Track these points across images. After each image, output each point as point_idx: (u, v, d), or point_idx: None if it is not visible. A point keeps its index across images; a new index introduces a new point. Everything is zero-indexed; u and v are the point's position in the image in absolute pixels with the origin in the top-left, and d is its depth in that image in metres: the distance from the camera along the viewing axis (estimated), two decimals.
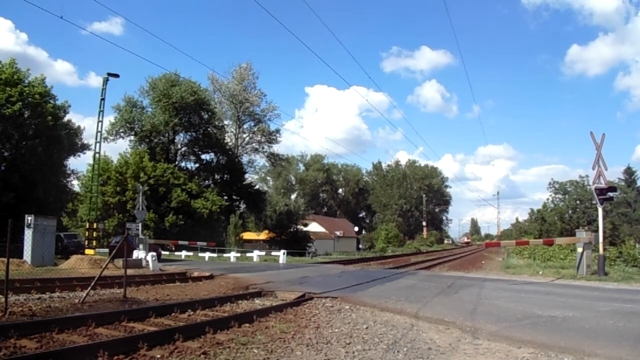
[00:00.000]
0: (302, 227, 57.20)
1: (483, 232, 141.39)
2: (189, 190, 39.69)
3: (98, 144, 26.83)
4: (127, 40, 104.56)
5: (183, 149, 48.26)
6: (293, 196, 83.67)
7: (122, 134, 43.83)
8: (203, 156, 49.66)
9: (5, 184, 24.58)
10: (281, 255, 26.71)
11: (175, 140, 47.11)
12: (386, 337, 5.94)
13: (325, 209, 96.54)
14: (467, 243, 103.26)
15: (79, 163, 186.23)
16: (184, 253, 31.77)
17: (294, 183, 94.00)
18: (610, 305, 8.22)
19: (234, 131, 53.27)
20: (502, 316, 7.34)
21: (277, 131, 53.70)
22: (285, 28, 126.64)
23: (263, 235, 53.43)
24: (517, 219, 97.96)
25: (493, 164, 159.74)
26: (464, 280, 13.06)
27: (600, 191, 13.74)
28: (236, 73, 51.67)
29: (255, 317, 6.99)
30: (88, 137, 56.72)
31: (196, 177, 46.09)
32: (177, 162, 46.44)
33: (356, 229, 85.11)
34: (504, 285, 12.04)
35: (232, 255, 30.84)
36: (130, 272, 12.29)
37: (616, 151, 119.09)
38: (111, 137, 42.94)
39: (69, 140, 29.64)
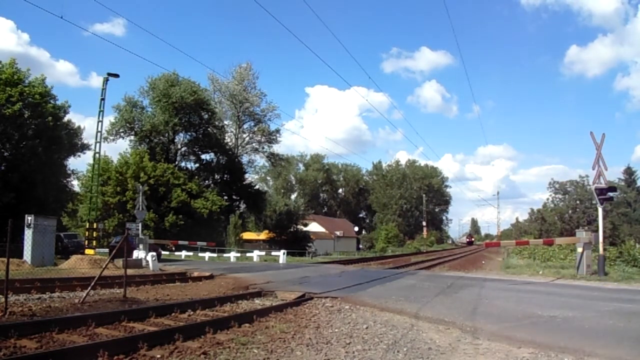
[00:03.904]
0: (302, 227, 57.16)
1: (483, 232, 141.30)
2: (189, 190, 39.68)
3: (98, 144, 26.80)
4: (128, 40, 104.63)
5: (183, 149, 48.24)
6: (293, 196, 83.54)
7: (122, 134, 43.81)
8: (203, 156, 49.70)
9: (5, 184, 24.56)
10: (281, 255, 26.71)
11: (175, 140, 47.09)
12: (386, 337, 5.94)
13: (325, 209, 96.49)
14: (470, 242, 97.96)
15: (79, 163, 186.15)
16: (184, 253, 31.77)
17: (294, 183, 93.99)
18: (610, 305, 8.22)
19: (234, 131, 53.28)
20: (502, 316, 7.34)
21: (277, 131, 53.71)
22: (285, 28, 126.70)
23: (263, 235, 53.42)
24: (517, 219, 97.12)
25: (493, 164, 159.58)
26: (464, 280, 13.06)
27: (600, 191, 13.75)
28: (236, 73, 51.69)
29: (255, 317, 6.99)
30: (88, 137, 56.71)
31: (196, 177, 46.05)
32: (177, 162, 46.41)
33: (356, 229, 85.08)
34: (504, 285, 12.04)
35: (232, 255, 30.83)
36: (130, 272, 12.29)
37: (616, 151, 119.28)
38: (111, 137, 42.91)
39: (69, 141, 29.60)
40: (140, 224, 20.81)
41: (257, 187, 56.35)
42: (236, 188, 50.02)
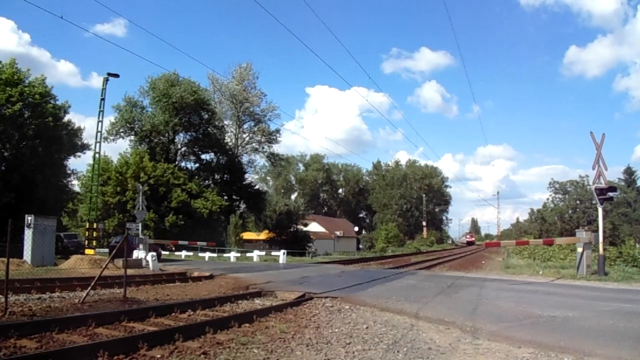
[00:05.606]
0: (302, 227, 57.15)
1: (483, 232, 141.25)
2: (189, 190, 39.69)
3: (98, 144, 26.79)
4: (129, 41, 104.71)
5: (183, 149, 48.25)
6: (293, 196, 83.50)
7: (122, 134, 43.81)
8: (203, 156, 49.71)
9: (5, 184, 24.58)
10: (281, 255, 26.72)
11: (175, 140, 47.09)
12: (386, 337, 5.94)
13: (325, 209, 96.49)
14: (471, 242, 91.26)
15: (79, 163, 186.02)
16: (184, 253, 31.77)
17: (294, 183, 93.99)
18: (610, 305, 8.22)
19: (234, 131, 53.24)
20: (502, 316, 7.34)
21: (277, 131, 53.63)
22: (285, 28, 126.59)
23: (263, 235, 53.41)
24: (517, 219, 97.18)
25: (493, 164, 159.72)
26: (464, 280, 13.06)
27: (600, 191, 13.74)
28: (236, 73, 51.66)
29: (255, 317, 7.00)
30: (88, 137, 56.59)
31: (196, 177, 46.06)
32: (177, 162, 46.40)
33: (356, 229, 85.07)
34: (504, 285, 12.04)
35: (232, 255, 30.84)
36: (130, 272, 12.29)
37: (616, 151, 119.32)
38: (111, 137, 42.92)
39: (69, 141, 29.65)
40: (140, 224, 20.79)
41: (257, 187, 56.33)
42: (236, 188, 50.03)
